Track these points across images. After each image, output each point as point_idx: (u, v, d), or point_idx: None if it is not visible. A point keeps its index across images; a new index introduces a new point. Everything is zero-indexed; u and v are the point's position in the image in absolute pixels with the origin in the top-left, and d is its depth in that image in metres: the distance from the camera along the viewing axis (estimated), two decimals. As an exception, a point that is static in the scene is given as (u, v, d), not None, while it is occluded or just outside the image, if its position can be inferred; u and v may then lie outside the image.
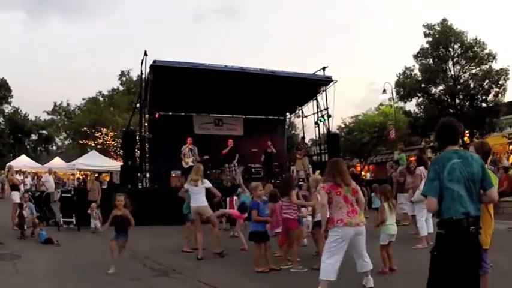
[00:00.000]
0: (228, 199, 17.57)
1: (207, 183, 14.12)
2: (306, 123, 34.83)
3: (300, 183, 20.07)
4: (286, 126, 39.86)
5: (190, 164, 23.71)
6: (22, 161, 46.64)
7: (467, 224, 5.60)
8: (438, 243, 5.84)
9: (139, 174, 25.73)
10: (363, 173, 51.28)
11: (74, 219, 19.96)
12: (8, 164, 26.94)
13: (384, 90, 40.19)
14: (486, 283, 6.98)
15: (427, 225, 14.04)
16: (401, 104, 45.70)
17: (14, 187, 20.72)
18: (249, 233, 12.55)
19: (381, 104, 55.38)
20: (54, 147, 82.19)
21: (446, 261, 5.63)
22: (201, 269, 12.09)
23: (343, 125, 54.71)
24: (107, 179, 38.03)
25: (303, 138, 33.34)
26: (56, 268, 12.55)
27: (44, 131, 78.50)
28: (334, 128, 34.68)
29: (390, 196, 11.74)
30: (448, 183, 5.68)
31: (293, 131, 51.92)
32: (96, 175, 26.58)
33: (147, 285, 10.48)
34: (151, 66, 24.36)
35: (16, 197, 20.01)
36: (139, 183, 25.32)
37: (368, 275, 9.34)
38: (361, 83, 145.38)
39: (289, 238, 11.83)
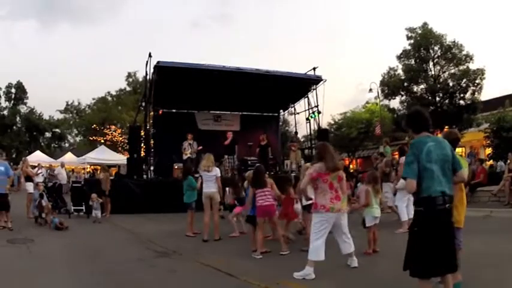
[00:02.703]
0: (228, 189, 17.54)
1: (218, 172, 14.42)
2: (298, 120, 35.10)
3: (293, 174, 20.20)
4: (280, 123, 39.84)
5: (189, 155, 24.10)
6: (37, 156, 46.56)
7: (443, 201, 5.74)
8: (417, 219, 5.98)
9: (144, 166, 25.81)
10: (351, 166, 51.31)
11: (83, 208, 20.05)
12: (23, 158, 27.01)
13: (370, 89, 40.09)
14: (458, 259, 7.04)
15: (407, 211, 14.04)
16: (386, 101, 45.89)
17: (28, 178, 20.80)
18: (247, 217, 12.73)
19: (367, 102, 55.36)
20: (67, 144, 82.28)
21: (426, 236, 5.74)
22: (201, 251, 12.18)
23: (332, 122, 54.58)
24: (114, 172, 37.93)
25: (296, 132, 33.47)
26: (67, 251, 12.75)
27: (57, 129, 78.97)
28: (324, 124, 34.65)
29: (376, 181, 11.83)
30: (427, 164, 5.80)
31: (286, 128, 51.90)
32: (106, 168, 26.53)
33: (149, 265, 10.52)
34: (155, 67, 24.43)
35: (30, 187, 20.11)
36: (144, 175, 25.36)
37: (352, 255, 9.41)
38: (350, 84, 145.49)
39: (271, 222, 11.95)
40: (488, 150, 33.04)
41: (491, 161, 31.27)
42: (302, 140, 37.25)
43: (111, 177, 23.35)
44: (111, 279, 9.26)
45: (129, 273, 9.75)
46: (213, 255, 11.31)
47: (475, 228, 11.91)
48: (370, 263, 10.00)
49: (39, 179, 22.09)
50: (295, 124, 36.38)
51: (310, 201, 10.02)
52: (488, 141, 31.64)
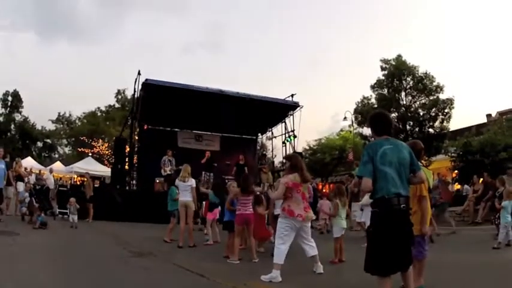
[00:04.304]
0: (204, 203, 17.63)
1: (193, 183, 14.64)
2: (276, 144, 35.23)
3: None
4: (258, 147, 40.25)
5: (168, 172, 23.90)
6: (28, 162, 46.24)
7: (398, 202, 5.72)
8: (373, 220, 6.02)
9: (127, 178, 25.93)
10: (324, 190, 51.17)
11: (68, 211, 19.81)
12: (16, 158, 27.12)
13: (345, 118, 40.32)
14: (423, 266, 7.23)
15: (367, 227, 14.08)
16: (359, 129, 45.82)
17: (20, 178, 20.96)
18: (223, 223, 13.09)
19: (341, 130, 55.53)
20: (57, 155, 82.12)
21: (381, 235, 5.76)
22: (175, 254, 12.26)
23: (307, 147, 55.07)
24: (98, 182, 37.75)
25: (264, 155, 33.73)
26: (48, 244, 13.14)
27: (48, 140, 78.58)
28: (299, 150, 34.88)
29: (342, 194, 11.92)
30: (381, 166, 5.80)
31: (264, 152, 52.03)
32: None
33: (124, 262, 10.65)
34: (143, 84, 24.58)
35: (20, 187, 20.33)
36: (127, 186, 25.49)
37: (317, 261, 9.47)
38: (326, 115, 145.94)
39: (247, 230, 11.94)
40: (454, 174, 33.26)
41: (457, 185, 31.55)
42: (278, 163, 37.40)
43: (96, 186, 23.38)
44: (87, 270, 9.43)
45: (104, 267, 9.98)
46: (186, 258, 11.38)
47: (440, 243, 12.59)
48: (335, 270, 10.15)
49: (30, 180, 22.30)
50: (272, 148, 36.66)
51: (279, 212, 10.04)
52: (454, 164, 31.86)
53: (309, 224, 9.52)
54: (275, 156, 38.19)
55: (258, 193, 13.21)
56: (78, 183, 42.27)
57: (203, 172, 25.41)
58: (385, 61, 42.26)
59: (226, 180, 25.80)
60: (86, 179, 23.02)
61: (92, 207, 20.38)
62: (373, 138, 6.62)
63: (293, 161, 9.86)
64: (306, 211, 9.18)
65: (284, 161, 14.82)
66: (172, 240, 14.40)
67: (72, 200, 18.70)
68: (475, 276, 8.96)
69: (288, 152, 30.63)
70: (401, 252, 5.79)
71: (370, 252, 5.88)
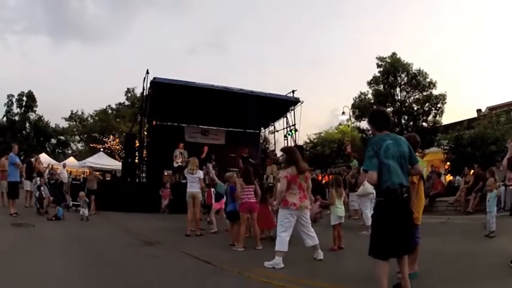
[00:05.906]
0: (206, 191, 17.68)
1: (201, 175, 14.70)
2: (278, 138, 35.41)
3: (270, 185, 20.37)
4: (261, 140, 40.34)
5: (180, 164, 23.96)
6: (42, 158, 46.33)
7: (401, 192, 5.87)
8: (378, 208, 6.13)
9: (137, 171, 26.02)
10: (323, 181, 51.25)
11: (80, 204, 19.87)
12: (36, 155, 27.42)
13: (343, 112, 40.34)
14: (417, 253, 7.29)
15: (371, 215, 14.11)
16: (357, 123, 45.83)
17: (39, 174, 21.23)
18: (227, 213, 13.22)
19: (340, 124, 55.68)
20: (70, 151, 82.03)
21: (385, 222, 5.90)
22: (183, 243, 12.31)
23: (308, 141, 55.23)
24: (109, 176, 37.95)
25: (273, 150, 33.80)
26: (62, 235, 13.32)
27: (61, 137, 78.40)
28: (300, 142, 35.02)
29: (339, 184, 11.99)
30: (385, 160, 5.93)
31: (267, 145, 52.02)
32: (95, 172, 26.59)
33: (136, 251, 10.78)
34: (152, 82, 24.72)
35: (38, 182, 20.25)
36: (137, 179, 25.62)
37: (318, 249, 9.56)
38: (326, 110, 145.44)
39: (251, 219, 11.95)
40: (446, 165, 33.34)
41: (449, 176, 31.65)
42: (280, 156, 37.51)
43: (107, 179, 23.46)
44: (99, 258, 9.61)
45: (115, 255, 10.18)
46: (193, 246, 11.45)
47: (433, 232, 12.50)
48: (334, 256, 10.20)
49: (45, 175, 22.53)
50: (274, 142, 36.84)
51: None
52: (446, 156, 31.89)
53: (308, 213, 9.56)
54: (281, 156, 38.42)
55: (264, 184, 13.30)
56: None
57: (203, 166, 25.54)
58: (380, 59, 42.14)
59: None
60: (89, 172, 23.19)
61: (93, 200, 20.15)
62: (370, 132, 6.72)
63: (288, 155, 9.93)
64: (301, 200, 9.26)
65: (281, 153, 14.94)
66: (201, 229, 14.48)
67: (82, 193, 18.74)
68: (466, 263, 8.94)
69: (290, 145, 30.77)
70: (403, 238, 5.95)
71: (374, 237, 6.02)
